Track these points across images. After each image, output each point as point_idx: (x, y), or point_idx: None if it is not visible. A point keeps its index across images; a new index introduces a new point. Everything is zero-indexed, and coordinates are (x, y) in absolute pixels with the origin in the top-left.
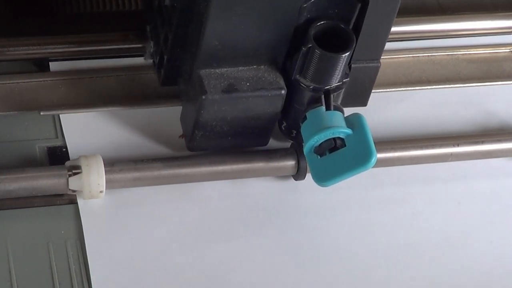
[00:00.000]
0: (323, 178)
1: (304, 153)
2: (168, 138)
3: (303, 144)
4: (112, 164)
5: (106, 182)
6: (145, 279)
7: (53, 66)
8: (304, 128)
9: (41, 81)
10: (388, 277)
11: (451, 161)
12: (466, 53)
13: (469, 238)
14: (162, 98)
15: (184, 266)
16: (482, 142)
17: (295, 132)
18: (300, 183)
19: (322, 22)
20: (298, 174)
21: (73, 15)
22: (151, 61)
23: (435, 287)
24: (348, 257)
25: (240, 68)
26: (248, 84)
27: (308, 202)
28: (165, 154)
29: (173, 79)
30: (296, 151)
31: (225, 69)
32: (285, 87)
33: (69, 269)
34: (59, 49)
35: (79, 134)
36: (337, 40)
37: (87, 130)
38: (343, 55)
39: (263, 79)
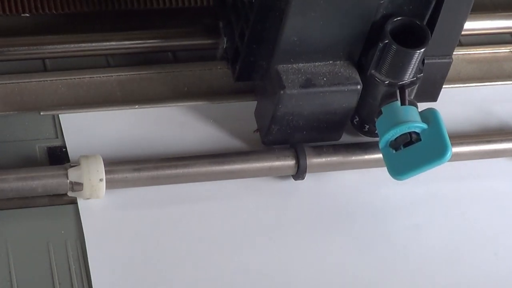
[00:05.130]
0: (399, 172)
1: (380, 147)
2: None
3: (379, 138)
4: (112, 164)
5: (106, 182)
6: (145, 279)
7: (52, 65)
8: (380, 122)
9: (41, 81)
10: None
11: (451, 161)
12: (466, 53)
13: (469, 239)
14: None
15: (183, 266)
16: (482, 142)
17: (367, 126)
18: (299, 183)
19: (398, 18)
20: (298, 174)
21: (140, 12)
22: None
23: None
24: (347, 257)
25: (316, 63)
26: (324, 79)
27: (307, 202)
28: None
29: (247, 74)
30: (296, 150)
31: (302, 64)
32: (361, 82)
33: (69, 269)
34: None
35: (78, 134)
36: (412, 36)
37: (86, 130)
38: (419, 51)
39: (339, 74)
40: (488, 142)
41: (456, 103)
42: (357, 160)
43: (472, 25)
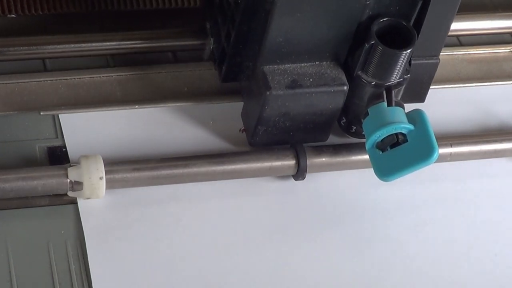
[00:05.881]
0: (385, 173)
1: (366, 148)
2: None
3: (365, 139)
4: (112, 164)
5: (106, 182)
6: (145, 279)
7: (52, 65)
8: (366, 123)
9: (41, 81)
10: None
11: (451, 161)
12: (466, 53)
13: (469, 239)
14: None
15: (183, 265)
16: (482, 142)
17: (354, 127)
18: (299, 183)
19: (384, 19)
20: (298, 174)
21: (129, 12)
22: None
23: None
24: (347, 256)
25: (303, 64)
26: (311, 80)
27: (307, 202)
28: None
29: (234, 75)
30: (296, 150)
31: (288, 65)
32: (347, 83)
33: (69, 269)
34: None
35: (78, 134)
36: (398, 36)
37: (86, 130)
38: (405, 52)
39: (326, 75)
40: (488, 142)
41: (456, 103)
42: (357, 160)
43: (472, 25)
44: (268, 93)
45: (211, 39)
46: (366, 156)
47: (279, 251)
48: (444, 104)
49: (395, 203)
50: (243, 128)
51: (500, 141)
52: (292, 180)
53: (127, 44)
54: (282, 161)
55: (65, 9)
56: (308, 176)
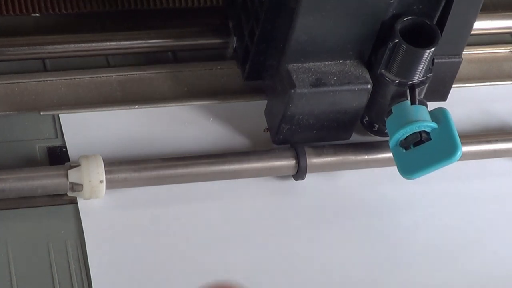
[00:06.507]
0: (409, 171)
1: (390, 146)
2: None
3: (389, 137)
4: (112, 164)
5: (106, 182)
6: (145, 279)
7: (52, 65)
8: (390, 122)
9: (41, 81)
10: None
11: None
12: (466, 53)
13: (469, 238)
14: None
15: (183, 265)
16: (482, 142)
17: (377, 126)
18: (300, 183)
19: (408, 18)
20: (298, 174)
21: (151, 12)
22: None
23: None
24: (347, 256)
25: (327, 62)
26: (335, 78)
27: (308, 202)
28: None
29: (257, 73)
30: (296, 150)
31: (312, 63)
32: (371, 82)
33: (69, 269)
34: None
35: (78, 134)
36: (422, 35)
37: (86, 130)
38: (429, 50)
39: (350, 73)
40: (488, 142)
41: (456, 103)
42: (357, 160)
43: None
44: (292, 91)
45: (234, 37)
46: (367, 156)
47: (279, 251)
48: (444, 104)
49: (395, 203)
50: (266, 127)
51: (500, 141)
52: (292, 180)
53: (129, 44)
54: (282, 161)
55: (89, 8)
56: (308, 176)
